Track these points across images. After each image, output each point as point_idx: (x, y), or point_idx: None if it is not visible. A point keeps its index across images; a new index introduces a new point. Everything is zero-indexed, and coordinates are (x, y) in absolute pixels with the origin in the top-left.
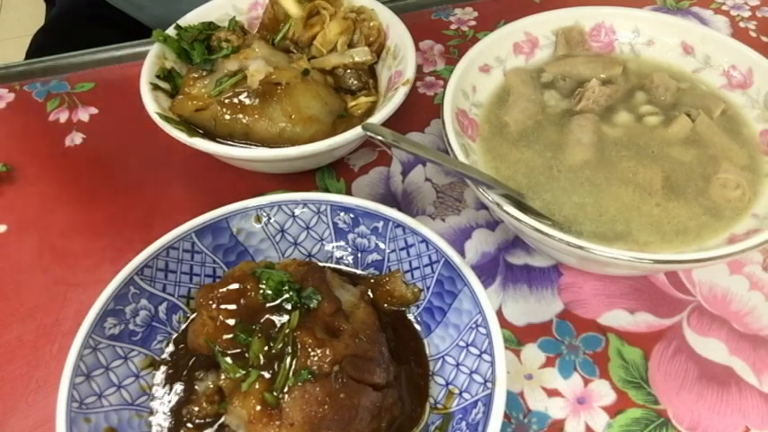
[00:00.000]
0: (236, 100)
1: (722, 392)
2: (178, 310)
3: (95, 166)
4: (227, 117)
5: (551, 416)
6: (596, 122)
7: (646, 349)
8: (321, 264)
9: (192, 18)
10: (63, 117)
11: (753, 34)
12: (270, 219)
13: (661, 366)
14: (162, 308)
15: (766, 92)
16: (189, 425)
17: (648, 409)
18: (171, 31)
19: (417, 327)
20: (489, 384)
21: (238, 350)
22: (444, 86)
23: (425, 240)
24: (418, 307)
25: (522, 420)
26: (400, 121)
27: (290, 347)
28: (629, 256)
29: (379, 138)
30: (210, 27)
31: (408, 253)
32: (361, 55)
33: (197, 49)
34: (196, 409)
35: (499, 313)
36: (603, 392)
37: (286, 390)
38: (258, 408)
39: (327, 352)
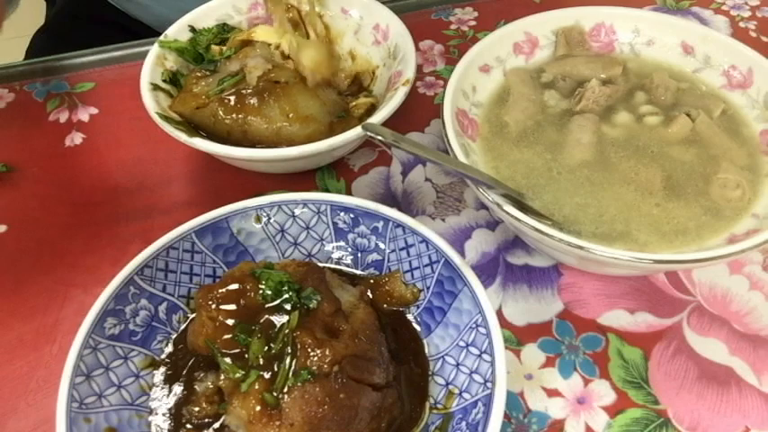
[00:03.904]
0: (234, 98)
1: (722, 392)
2: (178, 310)
3: (95, 165)
4: (226, 115)
5: (551, 416)
6: (596, 122)
7: (646, 349)
8: (321, 264)
9: (190, 19)
10: (63, 117)
11: (753, 34)
12: (270, 219)
13: (661, 366)
14: (162, 308)
15: (766, 92)
16: (188, 425)
17: (648, 409)
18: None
19: (417, 327)
20: (489, 384)
21: (238, 350)
22: (444, 86)
23: (425, 240)
24: (418, 307)
25: (522, 420)
26: (400, 121)
27: (289, 348)
28: (629, 256)
29: (379, 138)
30: (225, 29)
31: (408, 253)
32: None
33: (211, 52)
34: (196, 409)
35: (499, 313)
36: (603, 392)
37: (286, 390)
38: (258, 408)
39: (327, 352)
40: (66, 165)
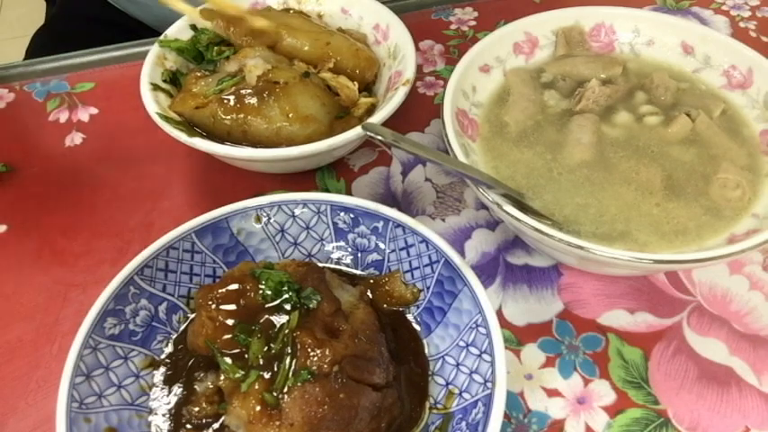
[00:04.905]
0: (234, 98)
1: (722, 392)
2: (178, 310)
3: (95, 166)
4: (226, 115)
5: (551, 416)
6: (596, 122)
7: (646, 349)
8: (321, 264)
9: (190, 18)
10: (63, 117)
11: (753, 34)
12: (270, 219)
13: (661, 366)
14: (162, 308)
15: (766, 92)
16: (188, 425)
17: (648, 409)
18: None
19: (417, 327)
20: (489, 384)
21: (238, 350)
22: (444, 86)
23: (425, 240)
24: (418, 307)
25: (522, 420)
26: (400, 121)
27: (289, 348)
28: (629, 256)
29: (379, 138)
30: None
31: (408, 253)
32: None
33: (211, 51)
34: (196, 409)
35: (499, 313)
36: (603, 392)
37: (286, 390)
38: (258, 408)
39: (327, 352)
40: (66, 165)
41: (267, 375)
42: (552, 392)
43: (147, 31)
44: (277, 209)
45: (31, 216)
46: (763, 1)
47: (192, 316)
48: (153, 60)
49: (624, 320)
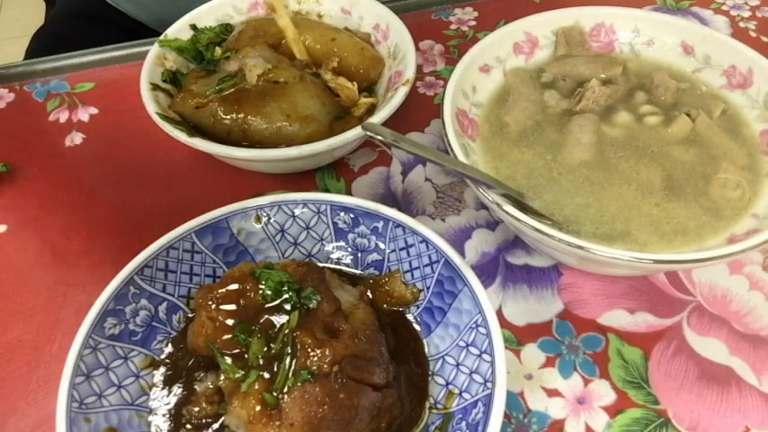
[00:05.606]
0: (234, 97)
1: (722, 392)
2: (178, 310)
3: (95, 166)
4: (226, 114)
5: (551, 416)
6: (596, 122)
7: (646, 349)
8: (321, 264)
9: (191, 18)
10: (63, 117)
11: (753, 34)
12: (270, 219)
13: (661, 366)
14: (162, 308)
15: (766, 92)
16: (188, 425)
17: (648, 409)
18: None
19: (417, 327)
20: (489, 384)
21: (238, 350)
22: (444, 86)
23: (425, 240)
24: (418, 307)
25: (522, 420)
26: (400, 121)
27: (289, 348)
28: (629, 256)
29: (379, 138)
30: (227, 30)
31: (408, 253)
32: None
33: (211, 51)
34: (196, 409)
35: (499, 313)
36: (603, 392)
37: (286, 390)
38: (258, 408)
39: (327, 352)
40: (66, 165)
41: (267, 375)
42: (552, 392)
43: (147, 30)
44: (277, 209)
45: (31, 216)
46: (763, 1)
47: (192, 316)
48: (153, 60)
49: (624, 320)
